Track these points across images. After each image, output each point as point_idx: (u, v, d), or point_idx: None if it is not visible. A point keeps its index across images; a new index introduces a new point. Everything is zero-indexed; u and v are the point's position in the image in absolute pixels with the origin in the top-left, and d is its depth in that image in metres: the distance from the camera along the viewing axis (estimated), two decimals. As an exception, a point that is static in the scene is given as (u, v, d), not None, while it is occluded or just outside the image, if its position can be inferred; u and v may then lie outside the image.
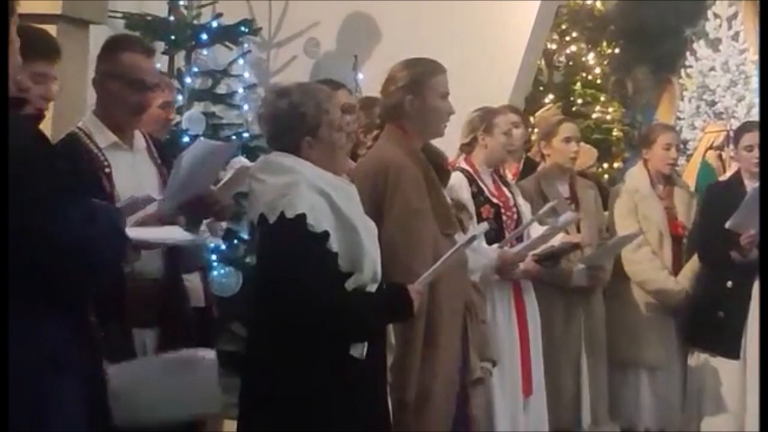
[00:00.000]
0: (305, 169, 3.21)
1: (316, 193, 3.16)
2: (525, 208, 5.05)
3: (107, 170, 3.43)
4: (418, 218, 3.79)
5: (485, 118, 4.93)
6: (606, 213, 5.70)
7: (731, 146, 5.88)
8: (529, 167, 6.09)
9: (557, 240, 4.96)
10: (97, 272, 2.26)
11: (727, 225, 5.07)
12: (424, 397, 3.73)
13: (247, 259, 6.48)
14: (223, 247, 6.48)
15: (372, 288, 3.24)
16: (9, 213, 2.10)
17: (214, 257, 6.48)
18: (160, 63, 6.39)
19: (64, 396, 2.26)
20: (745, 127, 5.92)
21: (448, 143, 4.66)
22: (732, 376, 5.33)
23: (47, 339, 2.23)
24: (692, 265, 5.52)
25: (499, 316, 4.77)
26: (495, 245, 4.72)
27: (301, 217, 3.10)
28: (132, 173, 3.50)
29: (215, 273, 6.58)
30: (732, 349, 5.30)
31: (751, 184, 5.33)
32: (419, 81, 3.95)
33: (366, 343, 3.21)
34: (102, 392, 2.42)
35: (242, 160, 5.85)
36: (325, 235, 3.12)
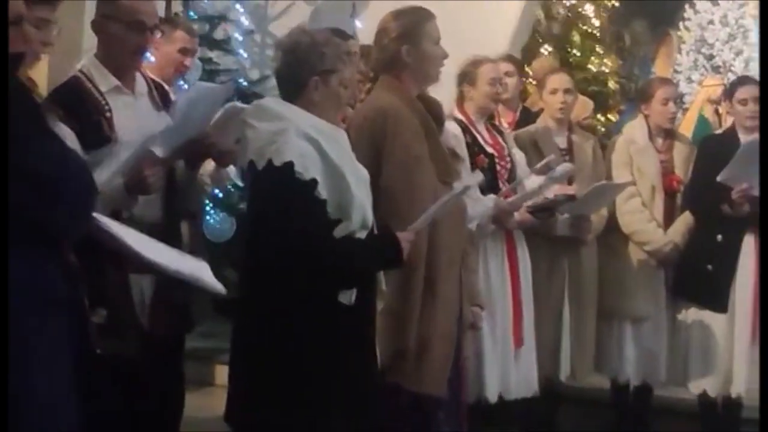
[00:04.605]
0: (295, 116, 3.21)
1: (304, 140, 3.16)
2: (519, 157, 5.06)
3: (108, 114, 3.43)
4: (418, 164, 3.80)
5: (467, 70, 4.96)
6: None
7: (726, 100, 5.85)
8: (527, 117, 6.09)
9: (551, 192, 4.98)
10: (70, 207, 2.39)
11: (719, 178, 5.04)
12: (423, 346, 3.76)
13: (241, 206, 6.50)
14: (218, 193, 6.51)
15: (362, 235, 3.24)
16: None
17: (208, 203, 6.51)
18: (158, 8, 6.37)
19: (49, 329, 2.37)
20: (739, 81, 5.89)
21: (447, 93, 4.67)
22: (720, 332, 5.31)
23: (30, 275, 2.34)
24: (685, 218, 5.50)
25: (491, 268, 4.81)
26: (491, 195, 4.75)
27: (289, 165, 3.10)
28: (133, 117, 3.50)
29: (209, 219, 6.61)
30: (719, 303, 5.29)
31: (745, 138, 5.26)
32: (413, 30, 3.95)
33: (354, 290, 3.22)
34: (84, 325, 2.54)
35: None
36: (313, 182, 3.12)
